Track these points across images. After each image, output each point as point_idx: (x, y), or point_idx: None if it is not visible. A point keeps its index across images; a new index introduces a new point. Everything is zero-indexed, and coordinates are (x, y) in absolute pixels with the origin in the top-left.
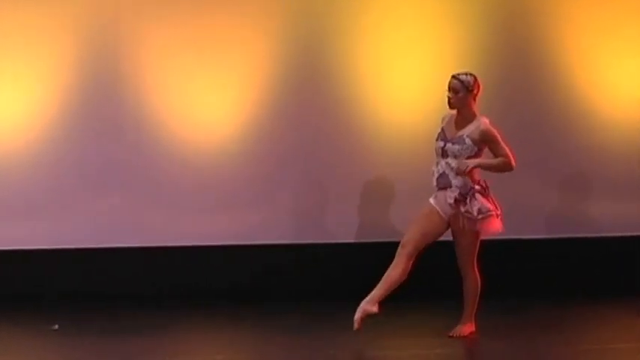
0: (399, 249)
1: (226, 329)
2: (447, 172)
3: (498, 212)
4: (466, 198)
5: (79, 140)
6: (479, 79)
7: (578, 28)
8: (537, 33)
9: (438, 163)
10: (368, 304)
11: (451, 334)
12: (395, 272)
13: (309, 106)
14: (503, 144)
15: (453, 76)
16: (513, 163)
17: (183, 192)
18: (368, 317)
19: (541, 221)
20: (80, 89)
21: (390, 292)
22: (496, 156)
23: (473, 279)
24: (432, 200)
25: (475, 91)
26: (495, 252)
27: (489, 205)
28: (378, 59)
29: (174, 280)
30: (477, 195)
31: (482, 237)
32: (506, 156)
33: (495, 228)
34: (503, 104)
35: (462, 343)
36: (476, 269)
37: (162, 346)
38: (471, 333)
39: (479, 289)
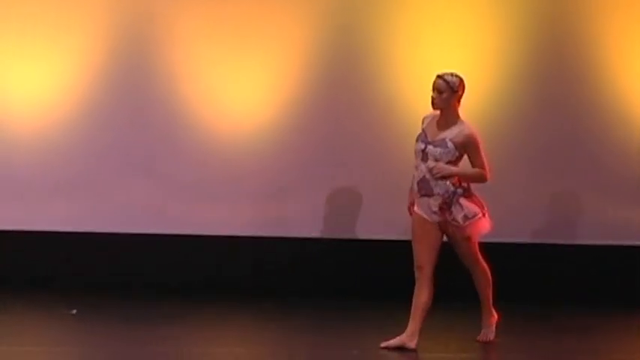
0: (416, 273)
1: (250, 321)
2: (427, 176)
3: (484, 211)
4: (450, 205)
5: (107, 125)
6: (464, 80)
7: (620, 29)
8: (577, 30)
9: (417, 167)
10: (407, 338)
11: (478, 339)
12: (421, 300)
13: (344, 98)
14: (482, 154)
15: (438, 76)
16: (488, 175)
17: (212, 181)
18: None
19: (573, 226)
20: (110, 75)
21: (425, 316)
22: (473, 165)
23: (481, 271)
24: (417, 209)
25: (460, 93)
26: (519, 256)
27: (474, 208)
28: (415, 50)
29: (199, 269)
30: (461, 200)
31: (475, 240)
32: (482, 167)
33: (484, 229)
34: (542, 104)
35: (488, 349)
36: (482, 261)
37: (180, 335)
38: (497, 323)
39: (490, 279)
